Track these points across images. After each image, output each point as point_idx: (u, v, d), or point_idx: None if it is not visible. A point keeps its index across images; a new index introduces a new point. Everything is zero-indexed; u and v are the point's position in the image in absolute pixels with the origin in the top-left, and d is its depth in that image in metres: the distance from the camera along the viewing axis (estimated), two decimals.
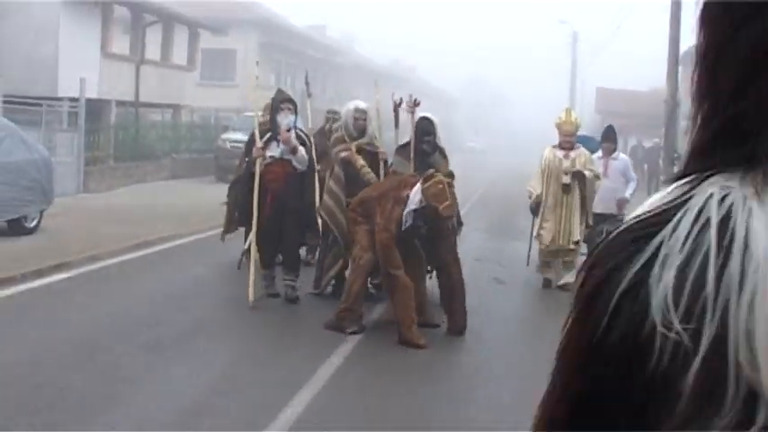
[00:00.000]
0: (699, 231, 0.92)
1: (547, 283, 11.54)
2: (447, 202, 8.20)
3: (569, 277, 11.03)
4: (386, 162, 10.16)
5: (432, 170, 8.53)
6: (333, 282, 9.91)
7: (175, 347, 7.83)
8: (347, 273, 9.18)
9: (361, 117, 10.03)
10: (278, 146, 9.72)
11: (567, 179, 11.19)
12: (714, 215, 0.92)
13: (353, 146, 9.81)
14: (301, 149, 9.74)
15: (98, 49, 24.23)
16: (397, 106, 10.48)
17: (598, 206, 11.54)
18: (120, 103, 26.02)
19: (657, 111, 46.93)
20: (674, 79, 18.82)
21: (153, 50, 28.20)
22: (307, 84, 11.19)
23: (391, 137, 10.91)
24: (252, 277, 9.50)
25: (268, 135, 9.76)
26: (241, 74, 43.04)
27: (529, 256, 12.27)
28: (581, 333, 0.97)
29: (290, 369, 7.40)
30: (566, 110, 11.93)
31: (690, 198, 0.94)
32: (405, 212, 8.28)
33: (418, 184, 8.28)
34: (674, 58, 18.86)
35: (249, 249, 10.03)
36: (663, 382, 0.91)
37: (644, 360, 0.91)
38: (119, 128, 25.35)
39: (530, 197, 11.75)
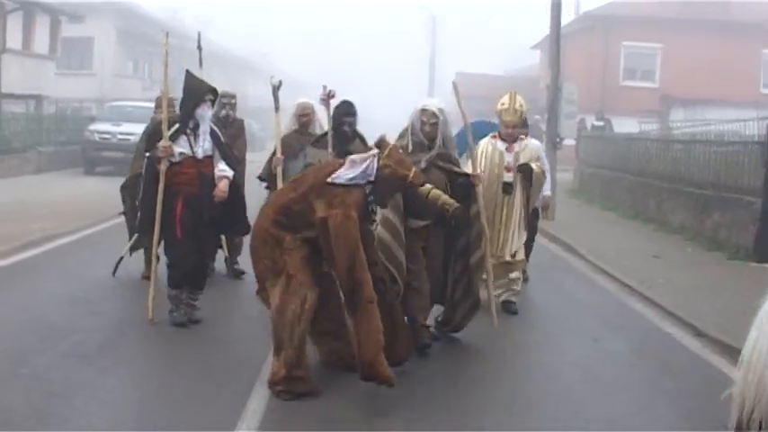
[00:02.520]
0: None
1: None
2: (414, 169, 6.82)
3: (512, 295, 9.75)
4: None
5: (382, 135, 6.99)
6: None
7: (101, 356, 7.29)
8: (275, 322, 6.61)
9: (430, 121, 7.95)
10: (196, 141, 8.31)
11: (509, 177, 9.43)
12: None
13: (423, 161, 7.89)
14: (223, 169, 8.43)
15: None
16: (276, 89, 9.61)
17: None
18: None
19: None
20: (557, 64, 19.04)
21: (14, 38, 26.85)
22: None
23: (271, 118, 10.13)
24: (152, 293, 8.40)
25: (175, 127, 8.31)
26: (99, 62, 41.74)
27: None
28: None
29: (233, 372, 7.04)
30: (509, 94, 9.43)
31: None
32: (349, 176, 6.58)
33: (367, 154, 6.74)
34: (556, 43, 19.07)
35: (149, 258, 9.23)
36: None
37: None
38: None
39: None
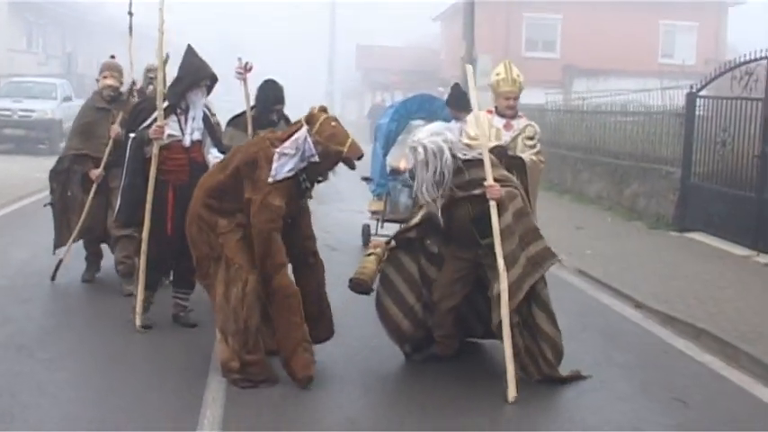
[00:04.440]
0: None
1: None
2: (350, 140, 6.31)
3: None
4: None
5: (312, 107, 6.48)
6: None
7: (42, 347, 6.93)
8: (221, 309, 6.40)
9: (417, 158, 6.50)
10: (185, 125, 7.55)
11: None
12: None
13: None
14: (217, 156, 7.74)
15: None
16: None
17: None
18: None
19: (418, 66, 48.40)
20: (471, 36, 19.01)
21: None
22: None
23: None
24: (140, 296, 7.50)
25: (165, 104, 7.49)
26: None
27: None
28: None
29: (184, 362, 6.78)
30: (503, 63, 8.16)
31: None
32: (287, 167, 6.21)
33: (301, 131, 6.25)
34: (470, 15, 19.03)
35: (90, 259, 9.08)
36: None
37: None
38: None
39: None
